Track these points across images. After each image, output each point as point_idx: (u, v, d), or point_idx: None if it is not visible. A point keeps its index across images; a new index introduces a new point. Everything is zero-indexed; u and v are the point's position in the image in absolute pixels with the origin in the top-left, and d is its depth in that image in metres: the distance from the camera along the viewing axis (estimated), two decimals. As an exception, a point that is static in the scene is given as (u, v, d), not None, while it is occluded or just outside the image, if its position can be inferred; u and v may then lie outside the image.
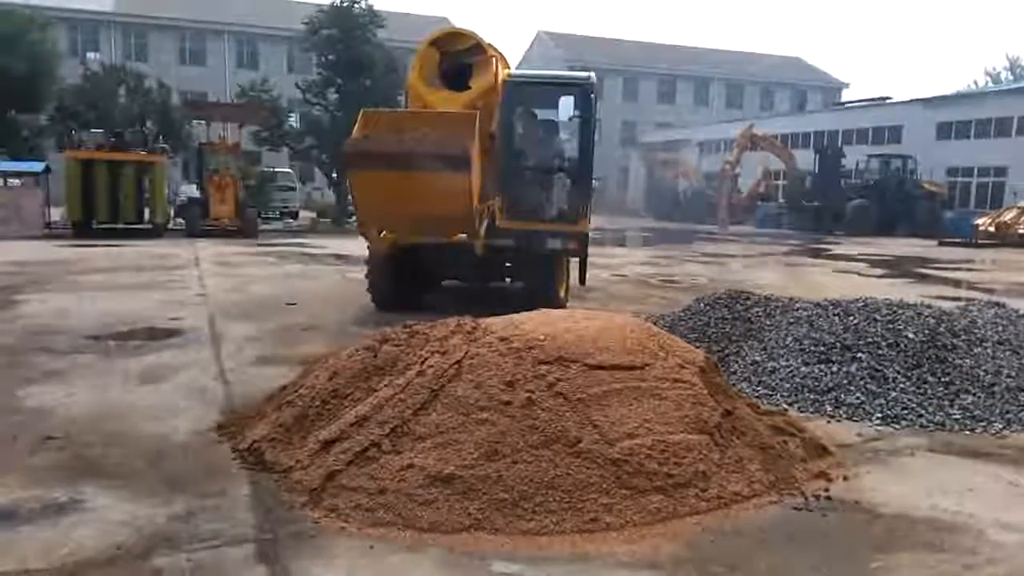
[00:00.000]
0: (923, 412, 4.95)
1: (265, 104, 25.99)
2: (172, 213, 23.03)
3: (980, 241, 24.45)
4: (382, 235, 8.00)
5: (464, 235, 7.87)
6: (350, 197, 7.55)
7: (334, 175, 27.11)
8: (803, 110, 53.67)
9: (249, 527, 3.25)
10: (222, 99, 35.51)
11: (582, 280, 9.05)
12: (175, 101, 28.01)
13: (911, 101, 36.34)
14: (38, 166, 21.21)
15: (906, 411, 4.97)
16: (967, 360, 5.47)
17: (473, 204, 7.24)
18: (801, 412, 5.04)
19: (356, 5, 25.54)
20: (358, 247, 13.24)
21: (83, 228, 19.54)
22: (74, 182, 19.45)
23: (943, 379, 5.28)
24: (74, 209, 19.69)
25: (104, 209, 19.82)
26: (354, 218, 28.46)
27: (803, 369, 5.54)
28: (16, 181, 21.83)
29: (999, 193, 30.73)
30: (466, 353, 3.93)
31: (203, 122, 24.33)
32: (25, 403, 4.96)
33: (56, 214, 20.72)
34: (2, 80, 22.94)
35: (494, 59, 8.52)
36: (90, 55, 38.73)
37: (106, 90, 26.72)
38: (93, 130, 23.73)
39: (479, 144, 7.42)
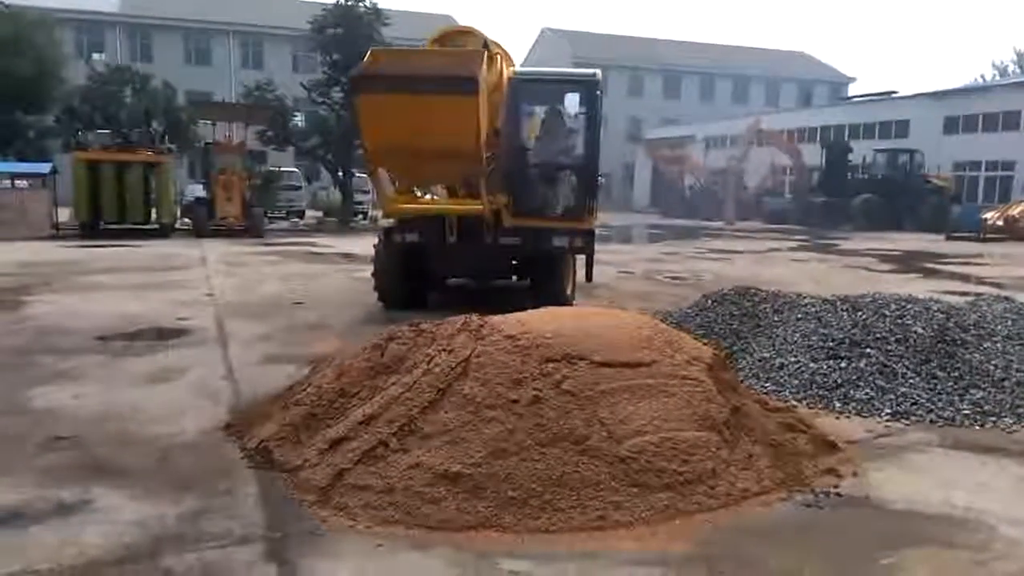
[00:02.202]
0: (933, 407, 4.92)
1: (271, 104, 26.02)
2: (179, 213, 23.10)
3: (988, 235, 24.32)
4: (395, 186, 7.94)
5: (476, 206, 7.80)
6: (358, 127, 7.44)
7: (340, 174, 27.13)
8: (809, 105, 53.47)
9: (258, 526, 3.26)
10: (227, 99, 35.59)
11: (589, 277, 9.04)
12: (181, 101, 28.06)
13: (918, 95, 36.14)
14: (45, 167, 21.31)
15: (916, 406, 4.94)
16: (977, 355, 5.44)
17: (480, 136, 7.17)
18: (810, 408, 5.02)
19: (361, 4, 25.54)
20: (364, 246, 13.23)
21: (90, 228, 19.64)
22: (81, 183, 19.55)
23: (953, 374, 5.25)
24: (81, 210, 19.80)
25: (111, 209, 19.92)
26: (359, 216, 28.50)
27: (812, 365, 5.51)
28: (23, 182, 21.97)
29: (1007, 187, 30.56)
30: (473, 351, 3.92)
31: (209, 122, 24.39)
32: (33, 403, 4.97)
33: (63, 215, 20.79)
34: (8, 82, 23.04)
35: (499, 57, 8.51)
36: (95, 56, 38.88)
37: (112, 91, 26.80)
38: (99, 131, 23.84)
39: (486, 85, 7.40)
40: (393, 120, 7.05)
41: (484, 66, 7.16)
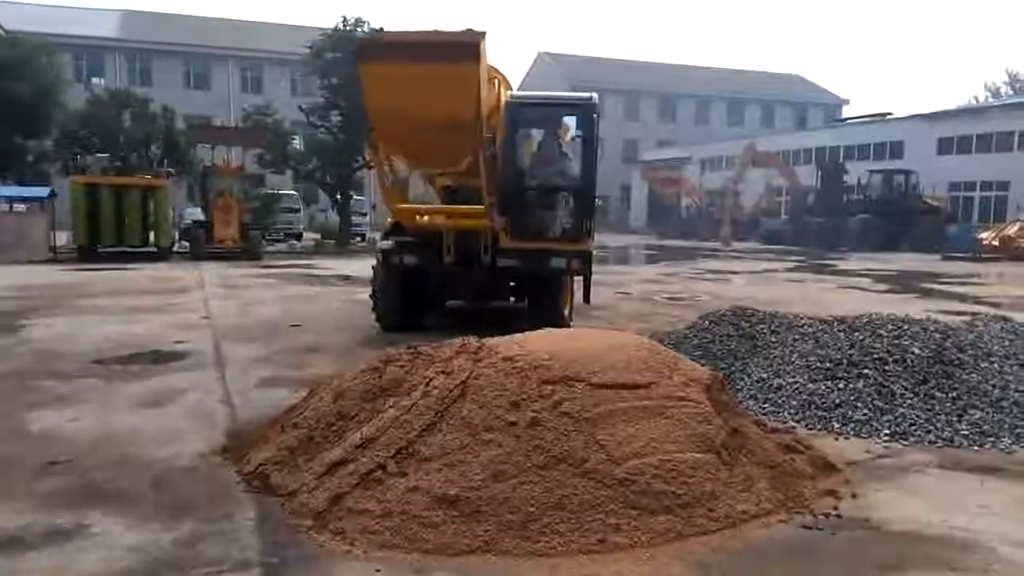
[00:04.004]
0: (931, 428, 4.92)
1: (269, 127, 26.16)
2: (177, 236, 23.14)
3: (984, 255, 24.42)
4: (391, 183, 8.14)
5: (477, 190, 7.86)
6: (364, 102, 7.55)
7: (338, 196, 27.23)
8: (804, 127, 53.88)
9: (254, 551, 3.24)
10: (226, 123, 35.74)
11: (586, 299, 9.04)
12: (180, 125, 28.17)
13: (912, 116, 36.48)
14: (43, 191, 21.37)
15: (914, 427, 4.94)
16: (974, 375, 5.44)
17: (481, 106, 7.25)
18: (808, 429, 5.01)
19: (359, 29, 25.79)
20: (362, 268, 13.25)
21: (88, 252, 19.65)
22: (79, 206, 19.60)
23: (950, 394, 5.25)
24: (79, 233, 19.82)
25: (109, 233, 19.95)
26: (357, 239, 28.47)
27: (809, 386, 5.51)
28: (22, 206, 22.03)
29: (1002, 207, 30.75)
30: (471, 374, 3.92)
31: (207, 145, 24.52)
32: (30, 427, 4.95)
33: (61, 238, 20.82)
34: (8, 106, 23.13)
35: (496, 81, 8.57)
36: (95, 80, 39.12)
37: (111, 115, 26.91)
38: (98, 154, 23.91)
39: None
40: (395, 90, 7.14)
41: (484, 44, 7.24)
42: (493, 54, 7.72)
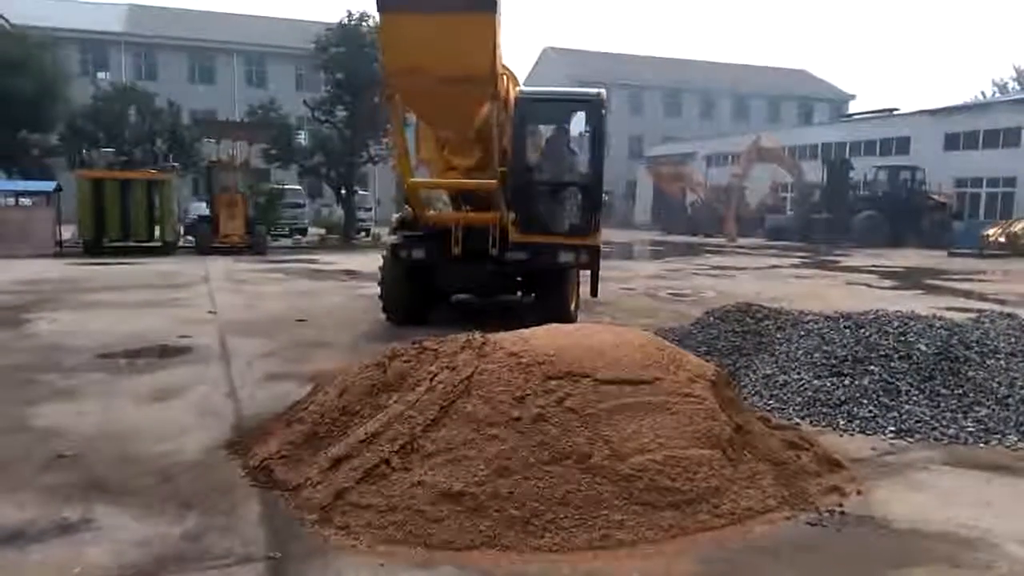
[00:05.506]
0: (937, 425, 4.91)
1: (274, 122, 26.18)
2: (182, 231, 23.18)
3: (990, 252, 24.32)
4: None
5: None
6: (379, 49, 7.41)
7: (342, 191, 27.25)
8: (810, 122, 53.68)
9: (259, 545, 3.24)
10: (231, 117, 35.80)
11: (594, 292, 9.05)
12: (185, 120, 28.21)
13: (918, 112, 36.29)
14: (49, 185, 21.44)
15: (919, 424, 4.93)
16: (980, 372, 5.42)
17: (496, 59, 7.21)
18: (813, 426, 5.00)
19: (364, 23, 25.76)
20: (366, 263, 13.25)
21: (94, 246, 19.72)
22: (85, 201, 19.68)
23: (956, 391, 5.23)
24: (85, 228, 19.90)
25: (115, 227, 20.03)
26: (362, 234, 28.41)
27: (815, 382, 5.50)
28: (28, 200, 22.09)
29: (1009, 203, 30.60)
30: (476, 369, 3.92)
31: (212, 140, 24.55)
32: (36, 422, 4.97)
33: (67, 232, 20.89)
34: (13, 101, 23.19)
35: (504, 76, 8.56)
36: (100, 74, 39.20)
37: (116, 109, 26.94)
38: (104, 149, 23.96)
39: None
40: (412, 40, 7.08)
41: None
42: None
